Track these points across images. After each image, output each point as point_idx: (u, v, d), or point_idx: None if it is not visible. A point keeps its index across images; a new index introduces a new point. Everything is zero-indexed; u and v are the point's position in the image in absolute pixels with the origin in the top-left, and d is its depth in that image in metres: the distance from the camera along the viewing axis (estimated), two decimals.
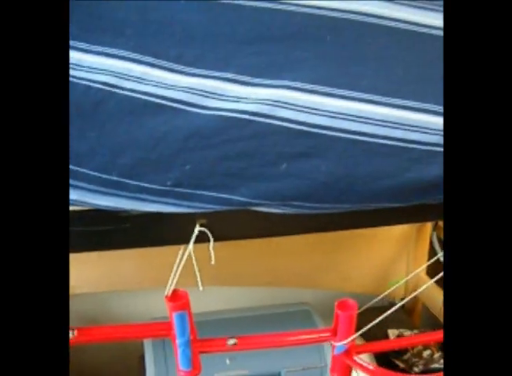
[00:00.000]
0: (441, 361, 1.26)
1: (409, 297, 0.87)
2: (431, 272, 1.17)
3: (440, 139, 0.61)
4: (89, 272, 1.27)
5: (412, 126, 0.60)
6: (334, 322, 0.73)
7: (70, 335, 0.65)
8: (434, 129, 0.60)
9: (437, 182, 0.63)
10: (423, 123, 0.60)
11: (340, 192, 0.62)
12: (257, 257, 1.31)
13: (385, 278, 1.43)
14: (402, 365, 1.24)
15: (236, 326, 1.19)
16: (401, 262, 1.44)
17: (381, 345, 0.83)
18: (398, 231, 1.41)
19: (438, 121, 0.60)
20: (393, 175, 0.62)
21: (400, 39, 0.62)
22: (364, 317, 0.75)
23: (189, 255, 0.69)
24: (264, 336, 0.75)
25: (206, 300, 1.34)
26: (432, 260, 1.14)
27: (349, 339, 0.72)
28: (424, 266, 1.25)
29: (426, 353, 1.27)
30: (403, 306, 1.48)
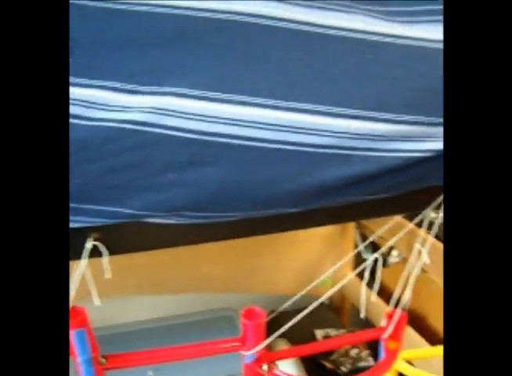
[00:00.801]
0: (369, 359, 1.27)
1: (330, 292, 0.86)
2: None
3: (336, 141, 0.60)
4: None
5: (308, 129, 0.59)
6: (242, 331, 0.72)
7: None
8: (329, 131, 0.59)
9: (336, 185, 0.62)
10: (319, 125, 0.59)
11: (233, 199, 0.61)
12: (180, 263, 1.29)
13: (311, 278, 1.42)
14: (329, 365, 1.24)
15: (158, 335, 1.16)
16: (327, 261, 1.44)
17: (293, 352, 0.82)
18: (321, 231, 1.41)
19: (332, 123, 0.59)
20: (289, 180, 0.60)
21: (293, 40, 0.60)
22: (290, 319, 0.75)
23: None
24: (169, 349, 0.73)
25: (129, 310, 1.31)
26: (353, 253, 1.15)
27: (257, 348, 0.71)
28: (346, 260, 1.25)
29: (353, 352, 1.27)
30: (330, 306, 1.49)
